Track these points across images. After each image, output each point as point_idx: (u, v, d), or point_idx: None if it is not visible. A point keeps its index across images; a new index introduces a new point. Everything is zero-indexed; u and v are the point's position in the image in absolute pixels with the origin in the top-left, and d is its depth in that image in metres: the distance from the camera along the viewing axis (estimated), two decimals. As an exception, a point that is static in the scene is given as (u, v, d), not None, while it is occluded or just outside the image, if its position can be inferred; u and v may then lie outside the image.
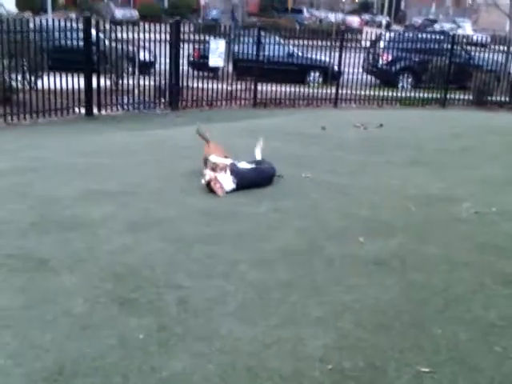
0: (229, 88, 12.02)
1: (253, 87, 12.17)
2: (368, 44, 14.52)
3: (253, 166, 4.60)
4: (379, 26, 31.55)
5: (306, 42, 13.17)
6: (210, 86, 11.65)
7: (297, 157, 5.77)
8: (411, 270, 3.05)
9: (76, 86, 9.82)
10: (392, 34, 14.98)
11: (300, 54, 13.82)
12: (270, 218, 3.81)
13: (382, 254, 3.27)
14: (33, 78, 9.76)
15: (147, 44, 11.05)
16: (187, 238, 3.39)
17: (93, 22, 9.91)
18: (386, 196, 4.46)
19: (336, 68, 13.13)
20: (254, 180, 4.48)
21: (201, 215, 3.82)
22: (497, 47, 13.92)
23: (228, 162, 4.46)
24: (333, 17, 34.40)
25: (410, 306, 2.68)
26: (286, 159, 5.56)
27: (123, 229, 3.50)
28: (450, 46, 13.26)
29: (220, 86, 11.87)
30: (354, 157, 5.85)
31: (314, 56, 13.48)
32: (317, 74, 15.12)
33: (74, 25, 9.74)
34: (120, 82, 10.76)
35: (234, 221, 3.73)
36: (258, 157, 4.83)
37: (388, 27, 32.33)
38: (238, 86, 12.15)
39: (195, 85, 11.52)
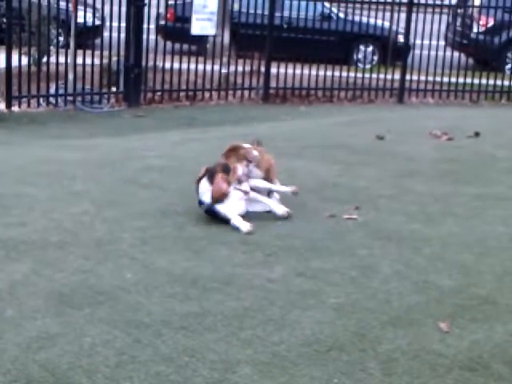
0: (224, 71, 12.12)
1: (263, 69, 12.26)
2: (454, 1, 14.67)
3: None
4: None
5: (351, -3, 13.31)
6: (192, 67, 11.73)
7: (335, 186, 5.75)
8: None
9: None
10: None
11: (341, 15, 13.95)
12: (290, 289, 3.80)
13: (479, 351, 3.24)
14: None
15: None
16: (150, 321, 3.38)
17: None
18: (486, 254, 4.45)
19: (401, 39, 13.18)
20: None
21: (174, 283, 3.81)
22: None
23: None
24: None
25: None
26: (315, 189, 5.53)
27: (43, 305, 3.48)
28: None
29: (209, 67, 11.95)
30: (431, 187, 5.86)
31: (364, 19, 13.57)
32: (369, 48, 15.19)
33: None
34: (44, 59, 10.83)
35: (230, 293, 3.72)
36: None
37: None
38: (240, 68, 12.24)
39: (168, 65, 11.59)
